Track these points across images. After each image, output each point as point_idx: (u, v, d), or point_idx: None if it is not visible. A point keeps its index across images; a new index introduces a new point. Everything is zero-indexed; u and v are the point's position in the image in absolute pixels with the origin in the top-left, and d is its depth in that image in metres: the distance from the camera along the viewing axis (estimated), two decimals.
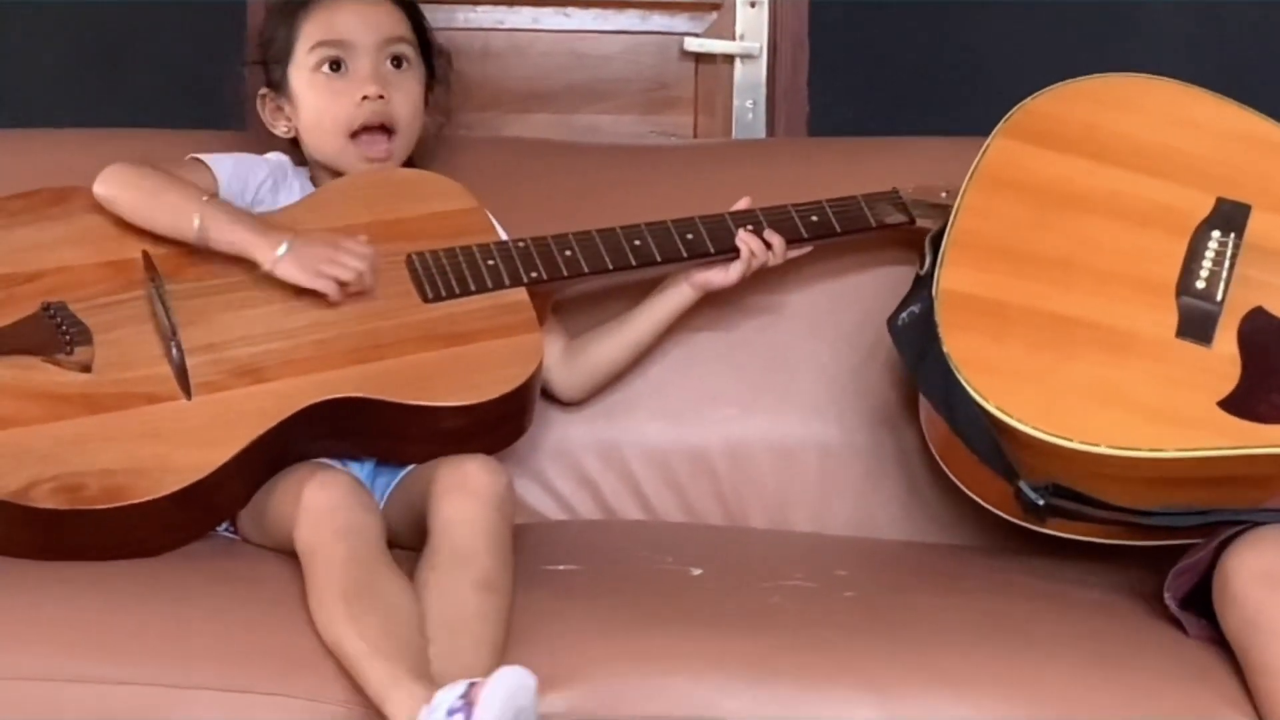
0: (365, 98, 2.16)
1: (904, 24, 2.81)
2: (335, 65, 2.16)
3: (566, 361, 2.23)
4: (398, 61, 2.19)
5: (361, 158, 2.18)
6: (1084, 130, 2.14)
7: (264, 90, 2.23)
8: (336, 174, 2.20)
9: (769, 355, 2.30)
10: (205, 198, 2.06)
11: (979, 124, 2.19)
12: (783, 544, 2.23)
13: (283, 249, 2.01)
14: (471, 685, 1.70)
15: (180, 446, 1.94)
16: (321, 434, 2.02)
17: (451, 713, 1.68)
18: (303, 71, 2.18)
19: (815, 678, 1.81)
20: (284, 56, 2.19)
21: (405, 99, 2.19)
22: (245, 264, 2.06)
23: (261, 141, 2.26)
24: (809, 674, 1.81)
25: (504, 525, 1.93)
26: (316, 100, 2.17)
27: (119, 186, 2.07)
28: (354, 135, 2.17)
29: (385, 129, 2.18)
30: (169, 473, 1.92)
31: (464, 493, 1.93)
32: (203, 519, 1.99)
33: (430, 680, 1.74)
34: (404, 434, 2.04)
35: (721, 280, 2.19)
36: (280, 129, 2.23)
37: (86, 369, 1.99)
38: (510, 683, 1.69)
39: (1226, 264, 2.04)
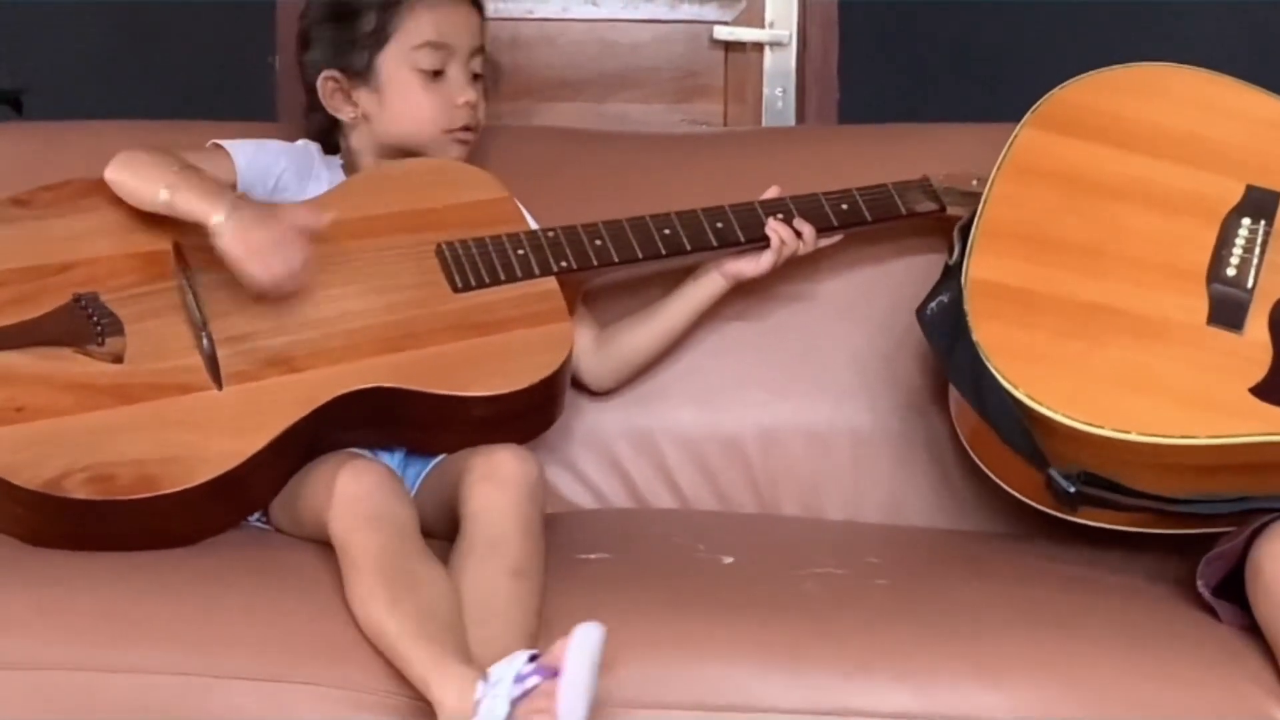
0: (466, 102, 2.19)
1: (933, 11, 2.80)
2: (438, 69, 2.19)
3: (597, 351, 2.23)
4: (480, 70, 2.23)
5: (455, 145, 2.21)
6: (1112, 119, 2.13)
7: (333, 73, 2.21)
8: (401, 154, 2.20)
9: (800, 342, 2.30)
10: (176, 168, 2.04)
11: (1010, 111, 2.19)
12: (814, 531, 2.23)
13: (218, 217, 1.98)
14: (534, 655, 1.71)
15: (212, 436, 1.94)
16: (353, 424, 2.02)
17: (521, 678, 1.69)
18: (401, 66, 2.19)
19: (849, 665, 1.81)
20: (375, 44, 2.19)
21: (483, 105, 2.24)
22: None
23: (292, 132, 2.26)
24: (842, 661, 1.81)
25: (535, 514, 1.93)
26: (418, 97, 2.19)
27: (115, 169, 2.07)
28: (452, 130, 2.20)
29: (471, 131, 2.22)
30: (201, 462, 1.93)
31: (495, 482, 1.93)
32: (234, 509, 2.00)
33: (473, 663, 1.75)
34: (435, 423, 2.05)
35: (752, 270, 2.19)
36: (346, 113, 2.22)
37: (118, 360, 2.00)
38: (593, 637, 1.70)
39: (1257, 251, 2.04)
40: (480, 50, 2.23)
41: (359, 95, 2.21)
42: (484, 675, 1.73)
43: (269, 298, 2.01)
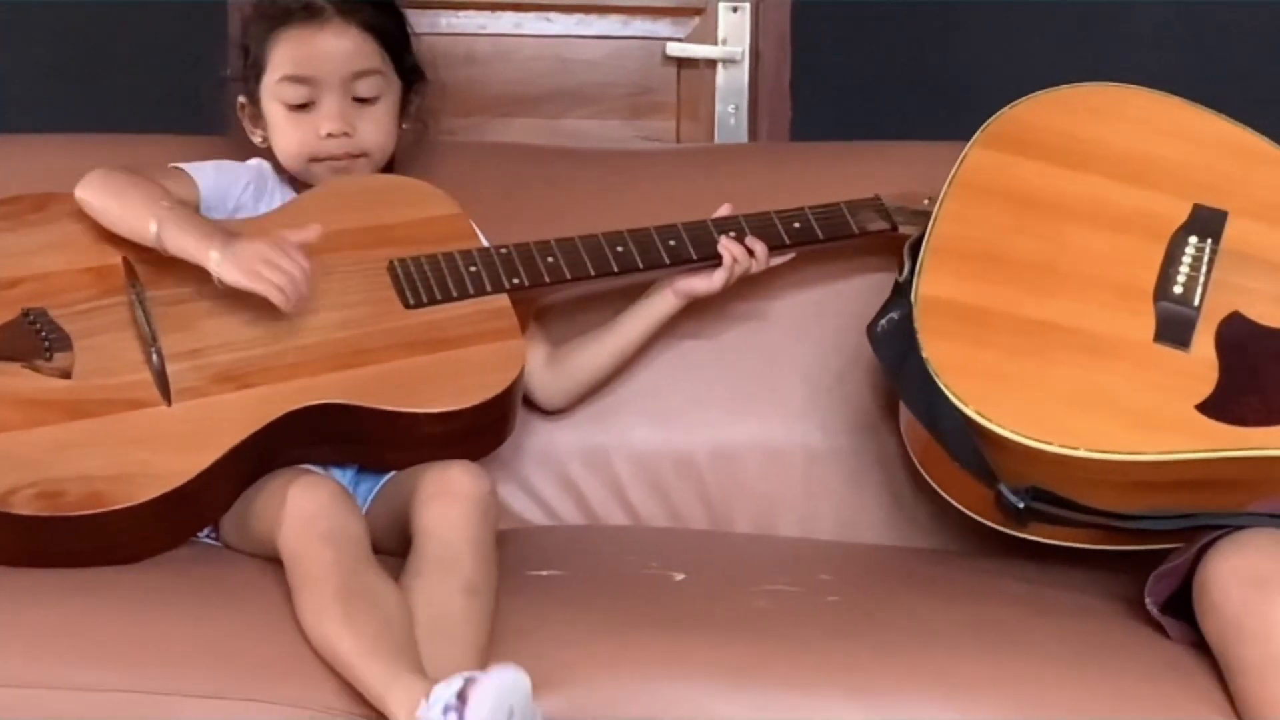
0: (329, 134, 2.16)
1: (886, 29, 2.81)
2: (302, 103, 2.17)
3: (550, 369, 2.23)
4: (365, 94, 2.18)
5: (328, 172, 2.19)
6: (1061, 138, 2.15)
7: (242, 100, 2.23)
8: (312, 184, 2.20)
9: (753, 360, 2.30)
10: (166, 204, 2.06)
11: (962, 129, 2.20)
12: (766, 548, 2.23)
13: (215, 255, 1.99)
14: (467, 681, 1.70)
15: (161, 452, 1.94)
16: (304, 440, 2.02)
17: (447, 710, 1.68)
18: (270, 99, 2.19)
19: (800, 682, 1.81)
20: (256, 75, 2.20)
21: (373, 128, 2.19)
22: None
23: (243, 148, 2.26)
24: (794, 678, 1.81)
25: (487, 530, 1.93)
26: (283, 129, 2.18)
27: (92, 191, 2.08)
28: (319, 160, 2.19)
29: (350, 157, 2.19)
30: (149, 479, 1.92)
31: (447, 498, 1.93)
32: (184, 525, 1.99)
33: (427, 677, 1.75)
34: (386, 440, 2.04)
35: (705, 287, 2.19)
36: (257, 139, 2.23)
37: (67, 375, 1.99)
38: (503, 682, 1.70)
39: (1204, 269, 2.05)
40: (368, 73, 2.18)
41: (260, 123, 2.22)
42: (425, 695, 1.72)
43: (285, 314, 2.01)
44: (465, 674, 1.71)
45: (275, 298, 1.98)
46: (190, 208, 2.10)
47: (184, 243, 2.02)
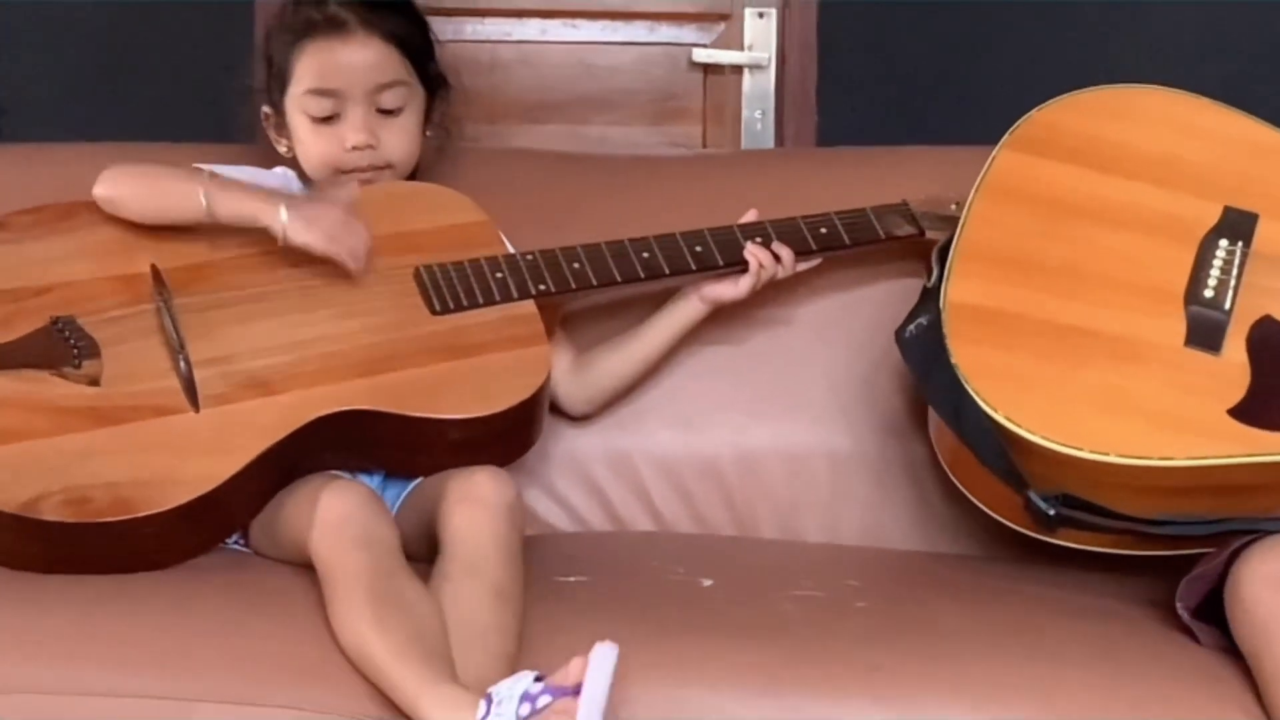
0: (355, 147, 2.16)
1: (912, 34, 2.81)
2: (327, 116, 2.17)
3: (575, 376, 2.23)
4: (390, 105, 2.18)
5: (353, 185, 2.18)
6: (1089, 141, 2.14)
7: (267, 110, 2.24)
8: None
9: (779, 365, 2.30)
10: (207, 174, 2.06)
11: (989, 133, 2.19)
12: (793, 554, 2.23)
13: (283, 213, 2.01)
14: (539, 677, 1.71)
15: (188, 459, 1.94)
16: (331, 446, 2.02)
17: (530, 697, 1.69)
18: (295, 111, 2.19)
19: (828, 688, 1.81)
20: (281, 86, 2.20)
21: (398, 139, 2.19)
22: (254, 276, 2.06)
23: (269, 157, 2.26)
24: (822, 684, 1.81)
25: (514, 536, 1.93)
26: (308, 140, 2.19)
27: (119, 184, 2.08)
28: (344, 172, 2.19)
29: (375, 169, 2.19)
30: (177, 485, 1.92)
31: (474, 503, 1.93)
32: (212, 531, 1.99)
33: (460, 684, 1.75)
34: (413, 446, 2.04)
35: (731, 294, 2.19)
36: (282, 149, 2.24)
37: (95, 382, 1.99)
38: (610, 657, 1.70)
39: (1234, 272, 2.04)
40: (392, 84, 2.18)
41: (285, 132, 2.22)
42: (485, 695, 1.72)
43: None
44: (531, 672, 1.72)
45: (350, 264, 2.01)
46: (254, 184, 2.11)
47: (242, 206, 2.03)
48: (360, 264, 2.03)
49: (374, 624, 1.79)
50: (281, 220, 2.01)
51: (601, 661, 1.69)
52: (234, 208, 2.03)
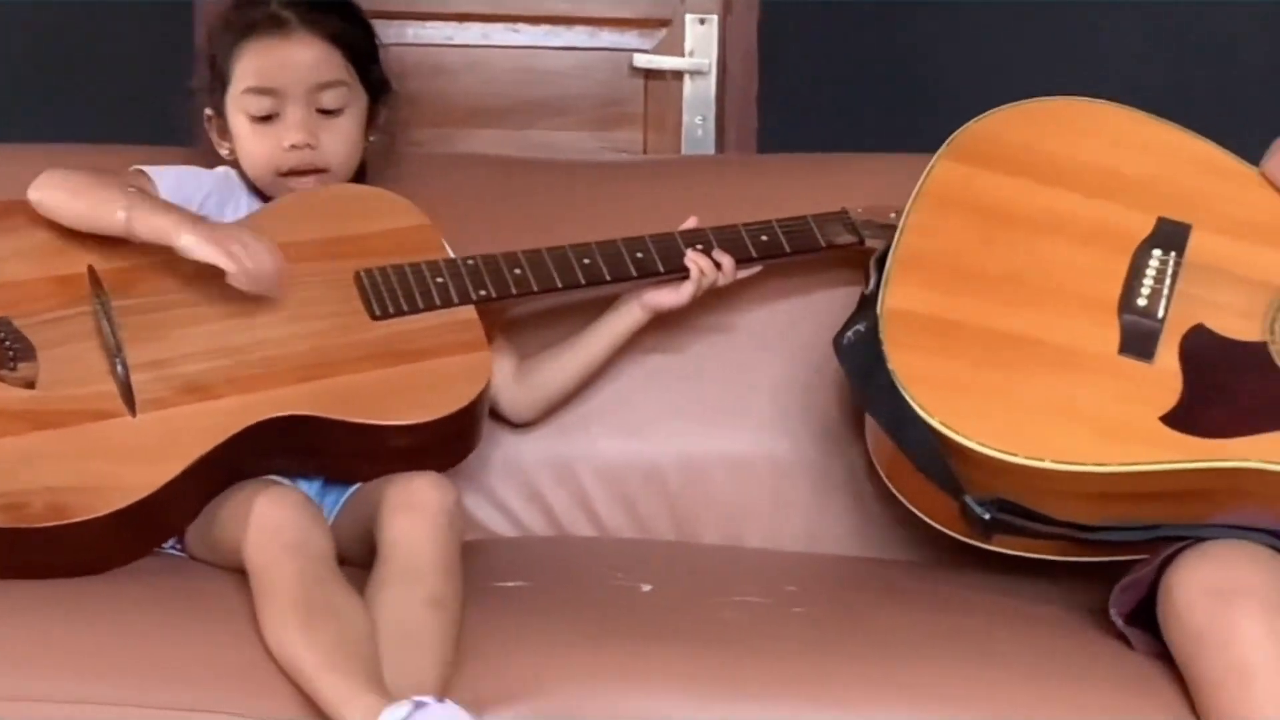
0: (293, 145, 2.16)
1: (853, 41, 2.83)
2: (266, 115, 2.16)
3: (517, 382, 2.23)
4: (330, 105, 2.17)
5: (290, 189, 2.18)
6: (1027, 152, 2.15)
7: (209, 112, 2.23)
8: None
9: (720, 372, 2.31)
10: (132, 189, 2.05)
11: (929, 141, 2.20)
12: (733, 560, 2.23)
13: (185, 232, 1.99)
14: (415, 706, 1.70)
15: (125, 464, 1.93)
16: (269, 451, 2.01)
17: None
18: (235, 111, 2.18)
19: (767, 693, 1.81)
20: (222, 86, 2.19)
21: (337, 140, 2.18)
22: (194, 280, 2.05)
23: (211, 159, 2.25)
24: (761, 689, 1.81)
25: (453, 542, 1.93)
26: (247, 140, 2.18)
27: (51, 190, 2.06)
28: (283, 174, 2.18)
29: (315, 170, 2.18)
30: (114, 490, 1.91)
31: (413, 510, 1.93)
32: (149, 537, 1.98)
33: (386, 693, 1.75)
34: (352, 452, 2.04)
35: (672, 301, 2.19)
36: (224, 151, 2.23)
37: (31, 385, 1.98)
38: (446, 717, 1.70)
39: (1168, 282, 2.06)
40: (333, 84, 2.17)
41: (227, 135, 2.21)
42: (379, 713, 1.72)
43: (252, 297, 2.01)
44: (415, 699, 1.72)
45: (231, 269, 1.97)
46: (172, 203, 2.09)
47: (156, 223, 2.01)
48: (259, 287, 2.00)
49: (302, 631, 1.78)
50: (184, 237, 2.00)
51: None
52: (150, 225, 2.02)
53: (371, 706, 1.73)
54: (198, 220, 2.03)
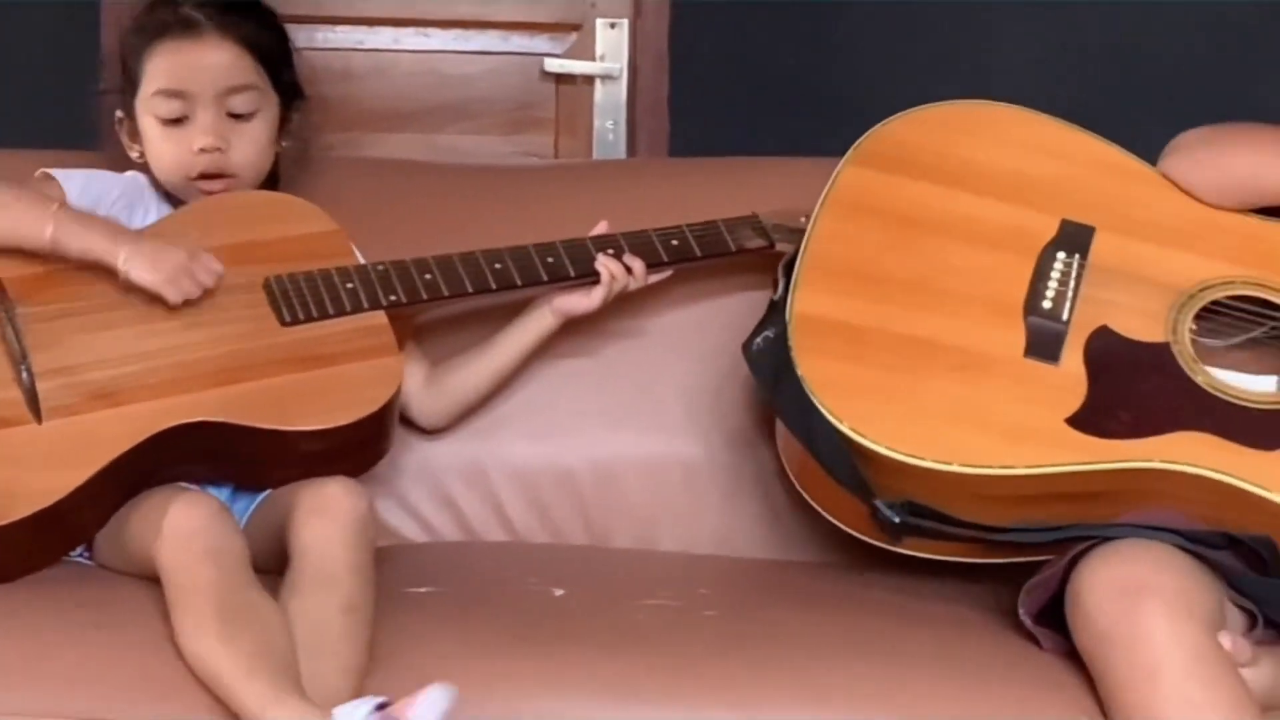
0: (202, 149, 2.14)
1: (764, 46, 2.83)
2: (176, 118, 2.14)
3: (428, 389, 2.23)
4: (241, 110, 2.16)
5: (201, 193, 2.17)
6: (933, 156, 2.17)
7: (120, 114, 2.21)
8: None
9: (632, 377, 2.31)
10: (56, 206, 2.04)
11: (840, 145, 2.21)
12: (646, 563, 2.24)
13: (125, 253, 2.00)
14: (382, 704, 1.70)
15: (31, 471, 1.91)
16: (179, 458, 2.00)
17: None
18: (145, 113, 2.17)
19: (680, 696, 1.82)
20: (133, 88, 2.18)
21: (247, 145, 2.17)
22: (101, 286, 2.04)
23: (119, 163, 2.24)
24: (674, 692, 1.82)
25: (365, 548, 1.93)
26: (156, 143, 2.16)
27: None
28: (192, 178, 2.17)
29: (225, 175, 2.17)
30: (20, 498, 1.89)
31: (325, 516, 1.92)
32: (57, 544, 1.97)
33: (308, 699, 1.74)
34: (263, 458, 2.03)
35: (583, 305, 2.20)
36: (135, 154, 2.21)
37: None
38: (443, 702, 1.70)
39: (1072, 284, 2.07)
40: (244, 88, 2.16)
41: (137, 138, 2.20)
42: (328, 715, 1.71)
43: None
44: (375, 698, 1.72)
45: (175, 301, 2.00)
46: (103, 217, 2.08)
47: (88, 242, 2.01)
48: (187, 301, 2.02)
49: (220, 638, 1.78)
50: (121, 263, 1.99)
51: (432, 705, 1.70)
52: (82, 243, 2.01)
53: (293, 711, 1.72)
54: (135, 238, 2.02)
